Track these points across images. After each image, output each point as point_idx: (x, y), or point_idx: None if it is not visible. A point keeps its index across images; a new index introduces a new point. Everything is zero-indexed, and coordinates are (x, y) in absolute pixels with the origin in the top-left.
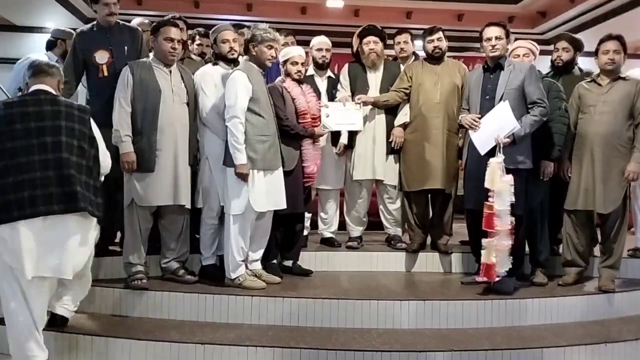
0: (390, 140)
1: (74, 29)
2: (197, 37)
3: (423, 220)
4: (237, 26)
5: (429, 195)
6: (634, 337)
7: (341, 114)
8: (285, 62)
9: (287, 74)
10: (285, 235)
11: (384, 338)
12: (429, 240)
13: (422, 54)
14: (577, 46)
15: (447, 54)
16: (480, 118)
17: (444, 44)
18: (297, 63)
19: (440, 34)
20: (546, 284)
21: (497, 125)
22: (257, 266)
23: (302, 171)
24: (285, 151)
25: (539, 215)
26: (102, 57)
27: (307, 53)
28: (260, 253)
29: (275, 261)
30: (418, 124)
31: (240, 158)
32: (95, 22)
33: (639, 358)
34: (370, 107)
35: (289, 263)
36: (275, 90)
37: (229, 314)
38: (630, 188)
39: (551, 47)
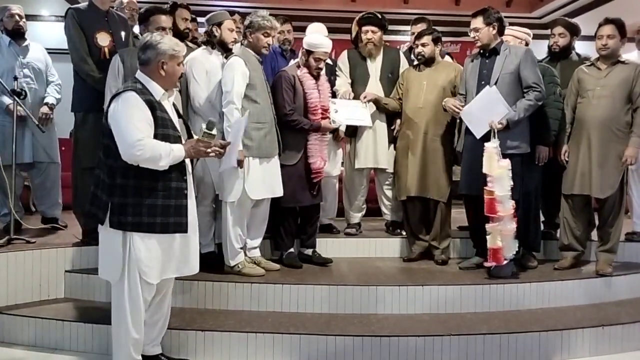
0: (392, 127)
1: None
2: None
3: (421, 230)
4: (230, 13)
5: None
6: (631, 320)
7: (349, 110)
8: (308, 52)
9: (306, 65)
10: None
11: (383, 323)
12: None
13: None
14: (574, 31)
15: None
16: (463, 105)
17: (429, 49)
18: (320, 60)
19: (426, 39)
20: (536, 267)
21: (488, 110)
22: (256, 253)
23: (309, 166)
24: (288, 147)
25: (533, 200)
26: (103, 39)
27: (301, 39)
28: (258, 240)
29: (292, 250)
30: (404, 132)
31: None
32: (88, 3)
33: (636, 341)
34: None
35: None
36: (287, 79)
37: (229, 300)
38: (628, 172)
39: (548, 32)
